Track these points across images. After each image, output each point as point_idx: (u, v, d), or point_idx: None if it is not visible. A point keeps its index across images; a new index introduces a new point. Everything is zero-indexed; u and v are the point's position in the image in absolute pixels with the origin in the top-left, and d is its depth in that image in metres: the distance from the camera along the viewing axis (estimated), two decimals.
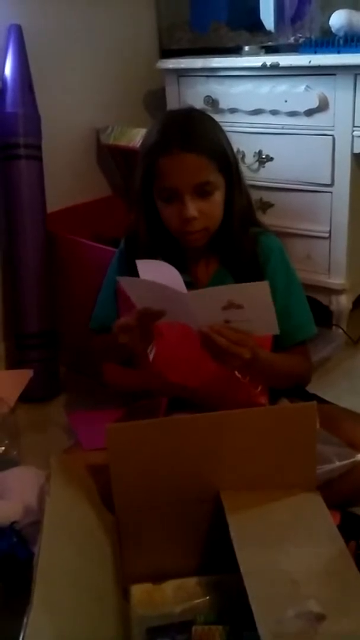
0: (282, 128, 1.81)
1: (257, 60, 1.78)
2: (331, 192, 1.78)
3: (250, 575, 0.83)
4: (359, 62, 1.60)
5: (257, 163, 1.86)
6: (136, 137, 1.89)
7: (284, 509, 0.98)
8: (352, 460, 1.13)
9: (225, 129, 1.26)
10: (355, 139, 1.70)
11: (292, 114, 1.77)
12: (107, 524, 1.02)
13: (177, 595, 1.02)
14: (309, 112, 1.74)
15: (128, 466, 1.00)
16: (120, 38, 2.05)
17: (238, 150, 1.32)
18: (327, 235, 1.83)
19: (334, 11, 1.71)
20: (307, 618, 0.76)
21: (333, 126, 1.72)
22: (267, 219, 1.76)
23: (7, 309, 1.86)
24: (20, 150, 1.70)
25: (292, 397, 1.30)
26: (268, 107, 1.81)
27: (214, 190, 1.19)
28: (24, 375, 1.59)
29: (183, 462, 1.00)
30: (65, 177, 1.96)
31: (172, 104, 2.00)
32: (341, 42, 1.67)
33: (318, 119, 1.74)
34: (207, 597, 1.01)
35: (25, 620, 0.73)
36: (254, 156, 1.86)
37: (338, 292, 1.87)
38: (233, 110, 1.87)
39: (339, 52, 1.66)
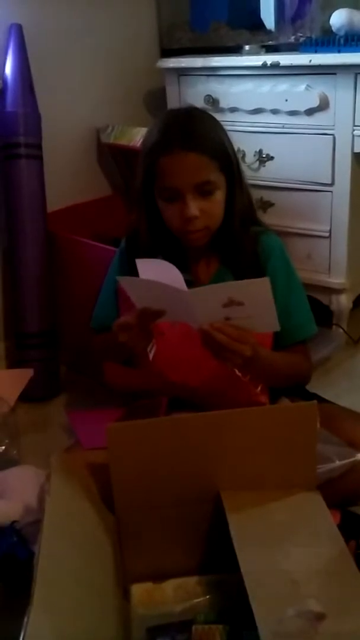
0: (283, 127, 1.81)
1: (257, 60, 1.77)
2: (331, 192, 1.78)
3: (251, 575, 0.83)
4: None
5: (258, 162, 1.86)
6: (136, 136, 1.89)
7: (284, 509, 0.98)
8: (352, 459, 1.13)
9: (226, 128, 1.26)
10: (355, 138, 1.70)
11: (293, 113, 1.77)
12: (108, 523, 1.02)
13: (177, 595, 1.02)
14: (310, 112, 1.74)
15: (128, 466, 1.00)
16: (120, 37, 2.05)
17: (238, 150, 1.32)
18: (327, 234, 1.83)
19: (335, 10, 1.71)
20: (307, 617, 0.76)
21: (333, 125, 1.72)
22: (267, 218, 1.75)
23: (8, 308, 1.86)
24: (21, 149, 1.70)
25: (293, 397, 1.30)
26: (268, 107, 1.81)
27: (215, 190, 1.19)
28: (24, 375, 1.59)
29: (183, 462, 1.00)
30: (66, 177, 1.96)
31: (172, 103, 1.99)
32: (342, 41, 1.67)
33: (318, 118, 1.74)
34: (207, 597, 1.01)
35: (25, 619, 0.73)
36: (254, 155, 1.86)
37: (338, 291, 1.87)
38: (233, 110, 1.87)
39: (339, 52, 1.66)
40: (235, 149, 1.28)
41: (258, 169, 1.87)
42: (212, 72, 1.89)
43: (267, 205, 1.88)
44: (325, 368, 1.80)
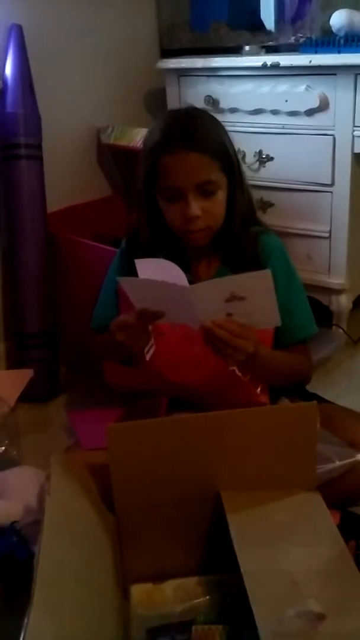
0: (283, 128, 1.81)
1: (257, 60, 1.77)
2: (331, 192, 1.78)
3: (250, 575, 0.83)
4: None
5: (258, 163, 1.86)
6: (136, 137, 1.89)
7: (284, 509, 0.98)
8: (352, 459, 1.13)
9: (226, 128, 1.26)
10: (355, 138, 1.70)
11: (293, 113, 1.77)
12: (108, 523, 1.02)
13: (177, 595, 1.02)
14: (310, 112, 1.74)
15: (128, 466, 1.00)
16: (120, 38, 2.05)
17: (238, 150, 1.32)
18: (327, 235, 1.83)
19: (335, 11, 1.71)
20: (307, 618, 0.76)
21: (333, 126, 1.72)
22: (267, 218, 1.75)
23: (8, 308, 1.86)
24: (21, 150, 1.70)
25: (293, 397, 1.30)
26: (268, 107, 1.81)
27: (217, 190, 1.19)
28: (24, 375, 1.59)
29: (183, 462, 1.00)
30: (66, 177, 1.96)
31: (172, 103, 1.99)
32: (342, 41, 1.67)
33: (318, 119, 1.74)
34: (207, 597, 1.01)
35: (25, 620, 0.73)
36: (254, 156, 1.86)
37: (338, 292, 1.87)
38: (233, 110, 1.87)
39: (339, 52, 1.66)
40: (236, 149, 1.28)
41: (258, 169, 1.87)
42: (212, 73, 1.89)
43: (267, 205, 1.88)
44: (325, 368, 1.80)
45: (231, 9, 2.05)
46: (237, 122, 1.84)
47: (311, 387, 1.38)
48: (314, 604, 0.78)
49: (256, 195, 1.75)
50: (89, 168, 2.07)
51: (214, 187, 1.19)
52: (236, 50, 1.92)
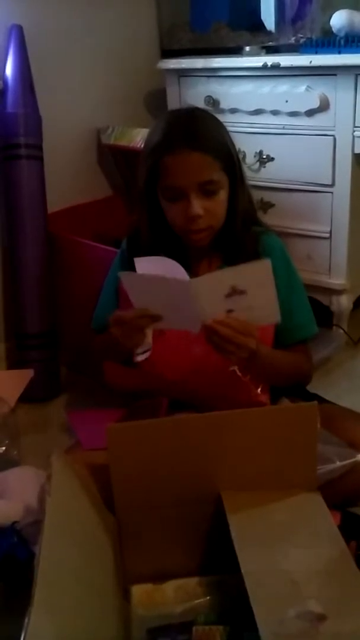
0: (283, 128, 1.81)
1: (257, 61, 1.78)
2: (332, 193, 1.78)
3: (251, 576, 0.83)
4: None
5: (258, 163, 1.86)
6: (137, 137, 1.89)
7: (285, 509, 0.98)
8: (352, 460, 1.13)
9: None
10: (356, 139, 1.70)
11: (293, 114, 1.77)
12: (108, 524, 1.02)
13: (177, 596, 1.02)
14: (310, 113, 1.74)
15: (128, 466, 1.00)
16: (121, 38, 2.05)
17: (239, 150, 1.32)
18: (327, 235, 1.83)
19: (335, 11, 1.71)
20: (308, 618, 0.76)
21: (334, 126, 1.72)
22: (267, 219, 1.75)
23: (8, 309, 1.86)
24: (21, 150, 1.70)
25: (293, 397, 1.30)
26: (269, 107, 1.81)
27: (219, 189, 1.19)
28: (24, 376, 1.59)
29: (184, 462, 1.00)
30: (66, 178, 1.96)
31: (172, 104, 1.99)
32: (342, 42, 1.67)
33: (319, 119, 1.74)
34: (208, 598, 1.01)
35: (26, 620, 0.73)
36: (254, 156, 1.86)
37: (338, 292, 1.87)
38: (234, 111, 1.87)
39: (339, 53, 1.66)
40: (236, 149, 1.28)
41: (258, 169, 1.87)
42: (212, 73, 1.89)
43: (267, 206, 1.88)
44: (326, 369, 1.80)
45: (232, 10, 2.05)
46: (238, 122, 1.84)
47: (312, 388, 1.38)
48: (315, 604, 0.78)
49: (256, 195, 1.75)
50: (89, 168, 2.07)
51: (216, 187, 1.19)
52: (236, 51, 1.92)
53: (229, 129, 1.27)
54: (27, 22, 1.73)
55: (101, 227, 1.89)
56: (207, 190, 1.18)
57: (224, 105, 1.88)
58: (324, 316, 1.87)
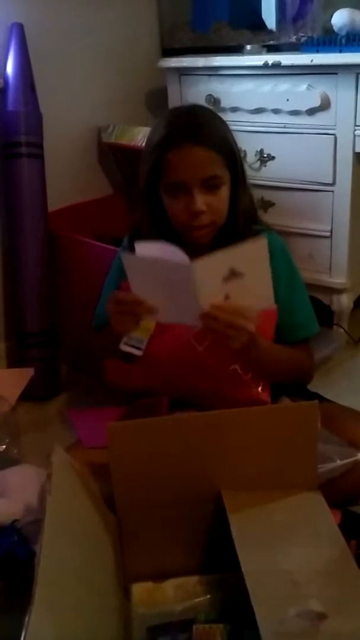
0: (284, 127, 1.80)
1: (258, 59, 1.77)
2: (333, 191, 1.78)
3: (251, 575, 0.83)
4: None
5: (259, 162, 1.86)
6: (137, 136, 1.89)
7: (285, 509, 0.98)
8: (353, 459, 1.12)
9: None
10: (357, 138, 1.70)
11: (294, 112, 1.77)
12: (108, 522, 1.02)
13: (177, 594, 1.02)
14: (311, 111, 1.74)
15: (129, 465, 1.00)
16: (122, 37, 2.05)
17: (240, 149, 1.33)
18: (328, 234, 1.83)
19: (336, 10, 1.71)
20: (308, 617, 0.76)
21: (335, 125, 1.72)
22: (268, 218, 1.75)
23: (8, 307, 1.86)
24: (22, 148, 1.70)
25: (294, 396, 1.30)
26: (270, 106, 1.80)
27: (221, 185, 1.19)
28: (24, 374, 1.59)
29: (184, 461, 1.00)
30: (67, 176, 1.96)
31: (173, 103, 1.99)
32: (343, 41, 1.67)
33: (320, 118, 1.74)
34: (208, 596, 1.01)
35: (26, 619, 0.73)
36: (255, 155, 1.85)
37: (339, 291, 1.87)
38: (235, 109, 1.87)
39: (340, 51, 1.66)
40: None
41: (259, 168, 1.86)
42: (213, 72, 1.88)
43: (268, 205, 1.88)
44: (326, 368, 1.80)
45: (232, 9, 2.05)
46: (238, 121, 1.84)
47: (312, 387, 1.38)
48: (315, 603, 0.78)
49: (257, 194, 1.75)
50: (90, 167, 2.07)
51: (219, 182, 1.19)
52: (237, 50, 1.92)
53: (230, 128, 1.27)
54: (28, 20, 1.72)
55: (102, 226, 1.89)
56: (210, 185, 1.18)
57: (224, 104, 1.88)
58: (325, 315, 1.87)
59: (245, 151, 1.82)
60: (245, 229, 1.26)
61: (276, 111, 1.80)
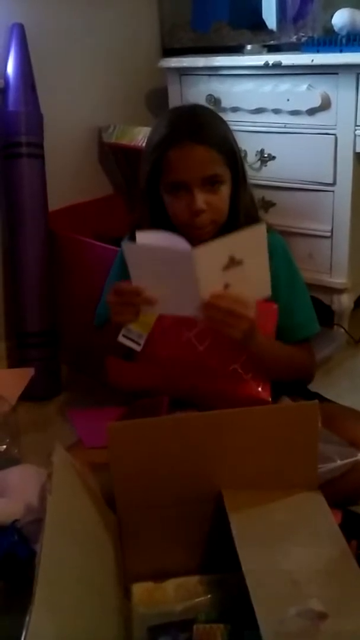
0: (285, 127, 1.80)
1: (259, 59, 1.78)
2: (333, 191, 1.78)
3: (252, 574, 0.83)
4: None
5: (259, 162, 1.86)
6: (138, 135, 1.89)
7: (286, 508, 0.98)
8: (353, 459, 1.12)
9: None
10: (357, 138, 1.70)
11: (295, 112, 1.77)
12: (109, 522, 1.02)
13: (178, 594, 1.02)
14: (311, 111, 1.74)
15: (129, 465, 1.00)
16: (122, 37, 2.05)
17: (240, 149, 1.33)
18: (329, 234, 1.83)
19: (337, 10, 1.71)
20: (308, 617, 0.76)
21: (335, 125, 1.72)
22: (269, 218, 1.76)
23: (8, 307, 1.86)
24: (22, 148, 1.70)
25: (294, 396, 1.30)
26: (270, 106, 1.81)
27: (222, 184, 1.20)
28: (25, 374, 1.59)
29: (184, 461, 1.00)
30: (67, 176, 1.96)
31: (174, 103, 1.99)
32: (344, 41, 1.67)
33: (320, 118, 1.74)
34: (209, 596, 1.01)
35: (27, 619, 0.73)
36: (256, 155, 1.85)
37: (340, 291, 1.87)
38: (235, 109, 1.87)
39: (341, 51, 1.66)
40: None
41: (260, 168, 1.87)
42: (213, 72, 1.89)
43: (268, 205, 1.88)
44: (327, 368, 1.80)
45: (232, 9, 2.05)
46: (239, 121, 1.84)
47: (312, 387, 1.38)
48: (316, 603, 0.78)
49: (258, 194, 1.75)
50: (90, 167, 2.07)
51: (220, 181, 1.19)
52: (238, 50, 1.92)
53: (231, 127, 1.27)
54: (29, 20, 1.72)
55: (102, 225, 1.89)
56: (211, 184, 1.18)
57: (225, 104, 1.88)
58: (325, 315, 1.87)
59: (245, 151, 1.82)
60: None
61: (277, 111, 1.80)
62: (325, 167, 1.76)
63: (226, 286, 1.05)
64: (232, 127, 1.28)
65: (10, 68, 1.69)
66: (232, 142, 1.23)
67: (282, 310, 1.22)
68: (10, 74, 1.69)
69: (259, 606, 0.77)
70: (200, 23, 2.10)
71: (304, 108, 1.74)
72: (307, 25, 1.92)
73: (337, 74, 1.67)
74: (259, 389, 1.23)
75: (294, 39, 1.93)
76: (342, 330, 1.91)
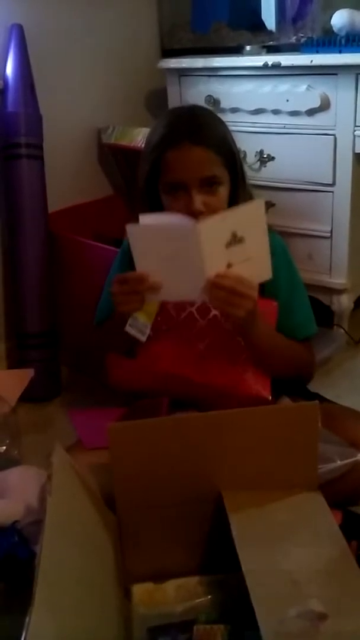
0: (284, 128, 1.81)
1: (258, 60, 1.78)
2: (332, 192, 1.78)
3: (252, 575, 0.83)
4: None
5: (259, 162, 1.86)
6: (137, 136, 1.89)
7: (286, 509, 0.98)
8: (353, 459, 1.12)
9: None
10: (356, 138, 1.70)
11: (294, 113, 1.77)
12: (109, 523, 1.02)
13: (178, 595, 1.02)
14: (311, 112, 1.74)
15: (129, 465, 1.00)
16: (121, 38, 2.05)
17: (239, 150, 1.33)
18: (328, 234, 1.83)
19: (336, 11, 1.72)
20: (308, 617, 0.76)
21: (334, 126, 1.72)
22: (268, 218, 1.73)
23: (9, 308, 1.86)
24: (22, 149, 1.70)
25: (294, 396, 1.30)
26: (270, 107, 1.81)
27: (220, 185, 1.20)
28: (25, 375, 1.59)
29: (184, 462, 1.00)
30: (67, 177, 1.96)
31: (173, 103, 1.99)
32: (343, 41, 1.67)
33: (320, 119, 1.74)
34: (209, 597, 1.01)
35: (27, 619, 0.73)
36: (255, 156, 1.85)
37: (339, 291, 1.87)
38: (234, 110, 1.87)
39: (340, 52, 1.66)
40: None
41: (259, 169, 1.87)
42: (213, 73, 1.89)
43: (268, 205, 1.88)
44: (326, 368, 1.80)
45: (232, 9, 2.05)
46: (238, 121, 1.84)
47: (312, 387, 1.38)
48: (316, 603, 0.78)
49: (257, 195, 1.74)
50: (90, 168, 2.07)
51: (218, 183, 1.19)
52: (237, 50, 1.92)
53: (230, 128, 1.27)
54: (28, 21, 1.73)
55: (101, 226, 1.89)
56: (209, 185, 1.18)
57: (224, 104, 1.88)
58: (325, 316, 1.87)
59: (245, 152, 1.82)
60: None
61: (276, 112, 1.80)
62: (325, 168, 1.76)
63: (229, 265, 1.06)
64: (232, 128, 1.28)
65: (9, 69, 1.69)
66: (231, 143, 1.23)
67: (281, 310, 1.22)
68: (9, 75, 1.69)
69: (259, 606, 0.77)
70: (200, 24, 2.10)
71: (304, 109, 1.75)
72: (306, 26, 1.92)
73: (336, 74, 1.67)
74: (260, 387, 1.23)
75: (293, 39, 1.93)
76: (342, 330, 1.91)
